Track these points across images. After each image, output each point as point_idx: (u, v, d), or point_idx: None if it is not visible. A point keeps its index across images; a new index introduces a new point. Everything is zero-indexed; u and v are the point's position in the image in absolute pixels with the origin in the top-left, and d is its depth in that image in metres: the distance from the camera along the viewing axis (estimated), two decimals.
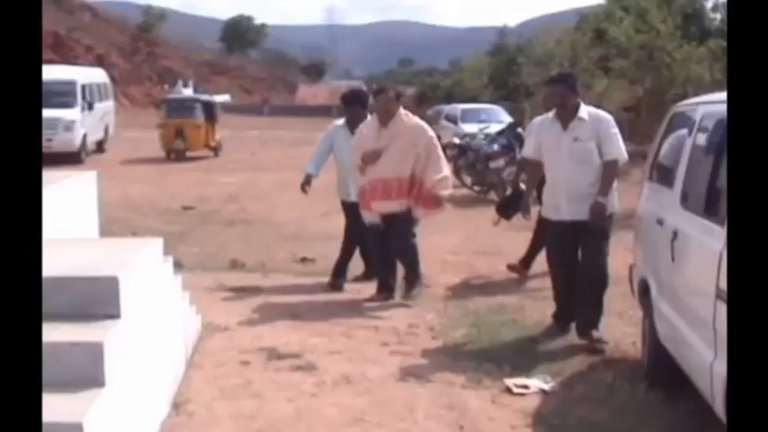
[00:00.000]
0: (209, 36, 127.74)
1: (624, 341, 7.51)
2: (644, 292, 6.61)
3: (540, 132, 7.88)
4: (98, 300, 4.31)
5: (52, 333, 4.08)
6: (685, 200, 5.70)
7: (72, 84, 27.04)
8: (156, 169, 24.65)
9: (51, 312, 4.28)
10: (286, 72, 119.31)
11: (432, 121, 38.81)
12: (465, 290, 9.66)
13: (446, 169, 9.12)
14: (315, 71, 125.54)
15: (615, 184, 7.50)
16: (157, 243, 5.68)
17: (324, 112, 60.40)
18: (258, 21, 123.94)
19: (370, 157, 8.82)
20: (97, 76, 31.26)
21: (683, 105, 6.79)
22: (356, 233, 9.63)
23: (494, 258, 11.21)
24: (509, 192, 11.20)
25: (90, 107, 27.20)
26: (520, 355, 7.11)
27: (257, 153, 30.60)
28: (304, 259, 11.25)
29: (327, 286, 9.57)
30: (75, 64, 46.02)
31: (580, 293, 7.44)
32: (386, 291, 9.09)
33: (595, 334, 7.34)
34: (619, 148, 7.40)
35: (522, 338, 7.59)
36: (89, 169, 23.65)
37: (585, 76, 26.03)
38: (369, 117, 9.51)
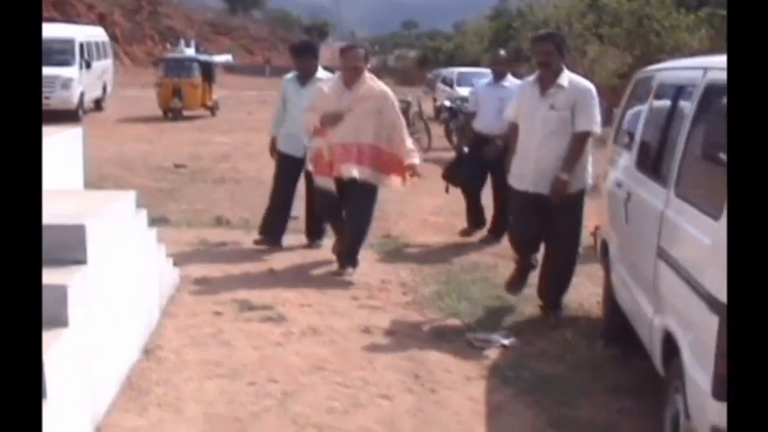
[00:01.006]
0: None
1: (590, 300, 7.77)
2: (604, 253, 6.85)
3: (521, 96, 7.37)
4: (66, 246, 4.55)
5: None
6: (639, 163, 5.93)
7: (70, 42, 27.13)
8: (152, 128, 24.83)
9: None
10: (289, 33, 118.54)
11: (431, 85, 39.12)
12: (442, 250, 9.88)
13: (408, 140, 8.62)
14: (318, 32, 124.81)
15: (589, 158, 7.15)
16: (130, 196, 5.92)
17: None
18: None
19: (332, 119, 8.24)
20: (96, 34, 31.30)
21: (644, 71, 6.99)
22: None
23: None
24: (454, 157, 11.07)
25: (88, 65, 27.28)
26: (486, 312, 7.38)
27: (254, 113, 30.71)
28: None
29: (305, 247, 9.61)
30: (76, 22, 45.93)
31: (546, 267, 7.35)
32: (315, 236, 9.52)
33: (556, 313, 7.33)
34: (592, 119, 6.93)
35: (491, 296, 7.83)
36: (86, 127, 23.86)
37: (579, 41, 26.16)
38: (320, 70, 9.51)
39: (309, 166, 8.79)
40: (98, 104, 29.53)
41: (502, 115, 8.48)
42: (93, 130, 23.46)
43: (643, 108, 6.29)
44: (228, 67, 67.78)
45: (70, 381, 4.21)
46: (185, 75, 28.52)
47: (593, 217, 7.46)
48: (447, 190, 10.92)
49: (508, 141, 7.65)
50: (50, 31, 29.08)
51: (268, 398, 5.34)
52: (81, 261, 4.57)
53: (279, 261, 8.83)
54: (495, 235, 10.17)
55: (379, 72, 68.35)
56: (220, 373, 5.70)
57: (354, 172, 8.27)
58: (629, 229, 5.85)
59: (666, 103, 5.60)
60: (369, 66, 8.63)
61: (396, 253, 9.63)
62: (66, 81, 25.72)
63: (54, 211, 4.84)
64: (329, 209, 8.77)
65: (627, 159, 6.33)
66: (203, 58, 31.59)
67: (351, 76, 8.39)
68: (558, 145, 6.91)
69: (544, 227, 7.19)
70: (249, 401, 5.27)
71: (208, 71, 29.81)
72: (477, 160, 10.19)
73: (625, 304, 5.99)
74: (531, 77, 7.34)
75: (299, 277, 8.18)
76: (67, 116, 24.99)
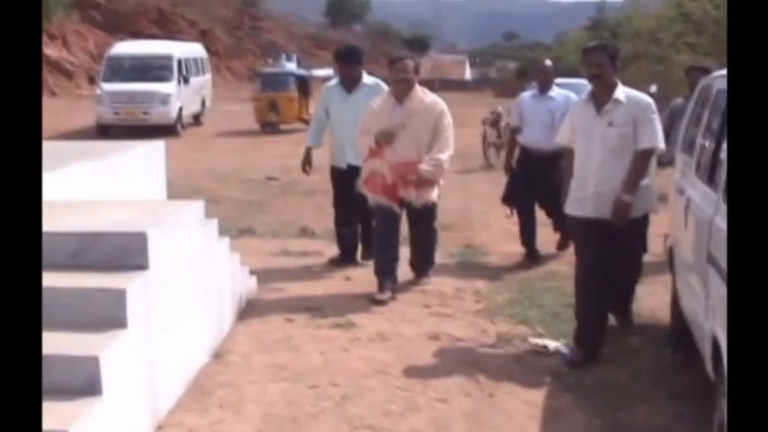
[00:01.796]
0: (314, 10, 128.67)
1: (662, 309, 7.71)
2: (671, 260, 6.85)
3: (574, 115, 6.78)
4: (129, 252, 4.79)
5: (85, 280, 4.61)
6: (697, 169, 5.95)
7: (168, 58, 27.92)
8: (248, 141, 25.30)
9: (89, 263, 4.82)
10: (389, 46, 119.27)
11: None
12: (521, 258, 9.89)
13: (445, 153, 7.97)
14: (419, 45, 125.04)
15: (650, 179, 6.63)
16: (197, 206, 6.13)
17: (425, 85, 60.34)
18: None
19: (386, 138, 7.76)
20: (194, 50, 32.08)
21: (709, 79, 6.95)
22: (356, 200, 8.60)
23: None
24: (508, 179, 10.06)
25: (186, 81, 27.98)
26: (556, 319, 7.39)
27: None
28: None
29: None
30: (178, 39, 47.06)
31: (615, 286, 6.82)
32: (389, 283, 8.07)
33: (624, 322, 7.16)
34: (655, 135, 6.38)
35: (563, 303, 7.81)
36: (184, 141, 24.46)
37: (671, 51, 25.89)
38: (365, 76, 8.98)
39: (362, 188, 8.15)
40: (197, 119, 30.20)
41: (550, 128, 8.39)
42: (190, 144, 24.14)
43: (703, 115, 6.31)
44: (329, 81, 68.35)
45: (128, 379, 4.43)
46: (281, 89, 29.01)
47: (663, 223, 7.42)
48: (509, 214, 10.07)
49: (563, 169, 7.01)
50: (149, 47, 30.06)
51: (327, 400, 5.50)
52: (143, 266, 4.79)
53: (355, 270, 8.98)
54: (563, 247, 9.69)
55: (481, 84, 68.19)
56: (284, 376, 5.89)
57: (418, 197, 7.96)
58: (688, 236, 5.86)
59: (720, 109, 5.61)
60: (418, 77, 8.05)
61: (475, 262, 9.68)
62: (165, 97, 26.43)
63: (119, 219, 5.11)
64: (389, 229, 8.14)
65: (689, 166, 6.35)
66: (299, 72, 32.07)
67: (401, 90, 7.90)
68: (620, 165, 6.35)
69: (611, 258, 6.54)
70: (308, 403, 5.44)
71: (304, 85, 30.28)
72: (527, 177, 9.57)
73: (686, 310, 5.99)
74: (583, 96, 6.85)
75: (374, 285, 8.30)
76: (166, 131, 25.67)
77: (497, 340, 6.87)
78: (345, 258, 9.20)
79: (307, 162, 9.47)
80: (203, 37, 62.68)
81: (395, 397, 5.60)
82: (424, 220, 8.24)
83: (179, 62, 28.11)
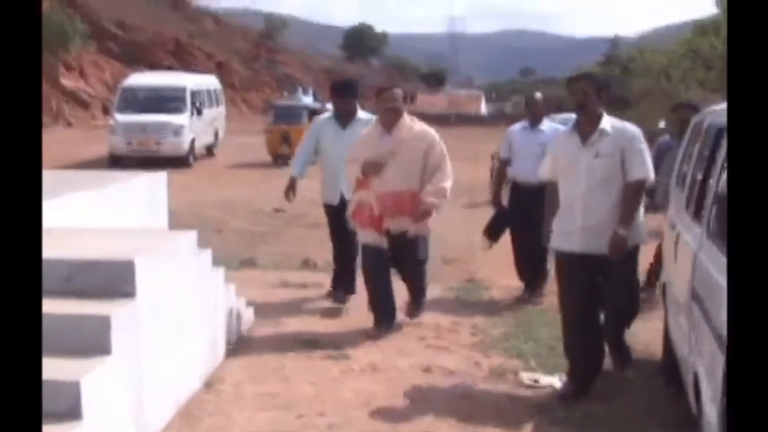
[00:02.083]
0: (331, 43, 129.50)
1: (656, 342, 7.73)
2: (664, 294, 6.89)
3: (558, 148, 6.60)
4: (116, 280, 4.87)
5: (72, 307, 4.70)
6: (687, 204, 6.01)
7: (182, 90, 28.18)
8: (259, 173, 25.43)
9: (80, 289, 4.90)
10: (406, 80, 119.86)
11: None
12: (520, 292, 9.91)
13: (447, 182, 7.83)
14: (435, 80, 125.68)
15: (642, 209, 6.49)
16: (190, 236, 6.21)
17: (441, 120, 60.77)
18: (379, 29, 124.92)
19: (373, 168, 7.63)
20: (208, 82, 32.34)
21: (701, 114, 7.00)
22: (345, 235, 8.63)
23: None
24: (493, 212, 9.91)
25: (199, 112, 28.20)
26: (552, 353, 7.40)
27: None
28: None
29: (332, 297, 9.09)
30: (194, 70, 47.46)
31: (608, 323, 6.65)
32: (386, 321, 7.98)
33: (620, 356, 6.91)
34: (645, 166, 6.23)
35: (559, 337, 7.73)
36: (195, 172, 24.57)
37: (680, 87, 26.00)
38: (360, 111, 8.76)
39: (351, 221, 8.06)
40: (209, 150, 30.39)
41: (540, 161, 7.93)
42: (201, 175, 24.33)
43: (695, 150, 6.37)
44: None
45: (111, 405, 4.48)
46: (294, 121, 29.17)
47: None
48: (487, 247, 10.13)
49: (546, 201, 6.77)
50: (163, 79, 30.34)
51: (313, 429, 5.55)
52: (130, 294, 4.86)
53: (353, 302, 9.01)
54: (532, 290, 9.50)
55: (496, 119, 68.47)
56: (273, 405, 5.94)
57: (405, 227, 7.76)
58: (676, 270, 5.91)
59: (708, 145, 5.67)
60: (407, 105, 7.87)
61: (475, 296, 9.73)
62: (178, 128, 26.66)
63: (110, 247, 5.18)
64: (378, 268, 7.95)
65: (680, 201, 6.41)
66: (313, 105, 32.28)
67: (389, 119, 7.72)
68: (607, 197, 6.20)
69: (599, 292, 6.43)
70: None
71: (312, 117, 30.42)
72: (519, 211, 9.32)
73: (674, 344, 6.03)
74: (566, 128, 6.74)
75: (370, 318, 8.32)
76: (178, 162, 25.87)
77: (489, 374, 6.89)
78: (343, 291, 9.01)
79: (291, 190, 9.15)
80: (220, 69, 63.13)
81: (381, 428, 5.64)
82: (411, 253, 7.96)
83: (192, 94, 28.35)
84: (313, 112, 30.64)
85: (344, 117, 8.74)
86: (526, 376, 6.78)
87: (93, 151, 28.55)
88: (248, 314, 7.98)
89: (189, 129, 27.17)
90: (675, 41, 37.08)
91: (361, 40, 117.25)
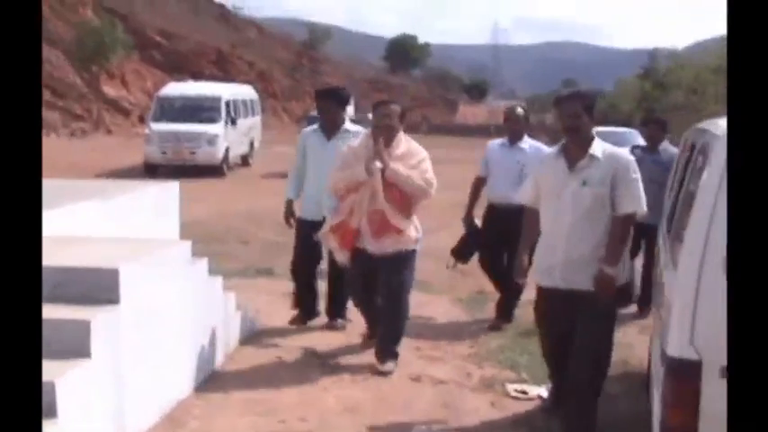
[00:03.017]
0: (374, 53, 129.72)
1: (643, 355, 7.87)
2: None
3: (542, 172, 6.06)
4: (100, 287, 5.12)
5: (57, 312, 4.93)
6: (667, 221, 6.09)
7: (217, 99, 28.53)
8: None
9: (67, 295, 5.15)
10: (448, 91, 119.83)
11: None
12: (529, 304, 10.00)
13: (425, 182, 7.23)
14: (477, 91, 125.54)
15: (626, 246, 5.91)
16: (184, 246, 6.45)
17: (482, 131, 60.74)
18: (422, 40, 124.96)
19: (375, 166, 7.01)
20: (244, 92, 32.64)
21: (688, 131, 6.98)
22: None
23: None
24: (464, 231, 9.09)
25: (233, 122, 28.48)
26: (544, 365, 7.56)
27: None
28: None
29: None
30: (236, 80, 47.93)
31: (572, 382, 5.87)
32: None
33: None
34: (637, 199, 5.69)
35: None
36: (230, 182, 24.76)
37: (710, 102, 25.95)
38: (348, 122, 8.29)
39: (325, 238, 7.45)
40: (245, 160, 30.65)
41: (518, 181, 7.76)
42: (235, 184, 24.61)
43: (678, 167, 6.50)
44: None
45: (88, 406, 4.72)
46: None
47: None
48: (452, 265, 9.13)
49: (523, 229, 6.27)
50: (198, 89, 30.74)
51: None
52: (113, 301, 5.10)
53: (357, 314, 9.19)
54: (502, 318, 8.98)
55: (537, 130, 68.39)
56: (257, 411, 6.15)
57: (388, 248, 7.18)
58: (656, 287, 6.05)
59: (682, 160, 5.80)
60: (404, 124, 7.36)
61: (480, 307, 9.83)
62: (212, 137, 26.98)
63: (97, 255, 5.42)
64: (361, 291, 7.54)
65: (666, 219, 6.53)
66: (348, 114, 32.43)
67: (383, 135, 7.15)
68: (592, 230, 5.68)
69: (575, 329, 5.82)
70: None
71: None
72: (493, 234, 8.73)
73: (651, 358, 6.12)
74: (552, 150, 6.16)
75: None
76: (212, 171, 26.22)
77: (479, 384, 7.05)
78: (340, 317, 8.55)
79: (290, 215, 8.60)
80: (261, 78, 63.68)
81: None
82: (392, 274, 7.26)
83: (227, 104, 28.67)
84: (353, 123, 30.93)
85: (329, 127, 8.21)
86: (513, 387, 6.92)
87: (130, 160, 28.90)
88: (250, 323, 8.19)
89: (223, 138, 27.47)
90: (711, 55, 36.98)
91: (403, 51, 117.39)
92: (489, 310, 9.68)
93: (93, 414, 4.81)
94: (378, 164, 7.02)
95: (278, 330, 8.39)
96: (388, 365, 7.23)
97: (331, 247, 7.45)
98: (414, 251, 7.38)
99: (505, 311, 8.96)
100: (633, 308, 9.09)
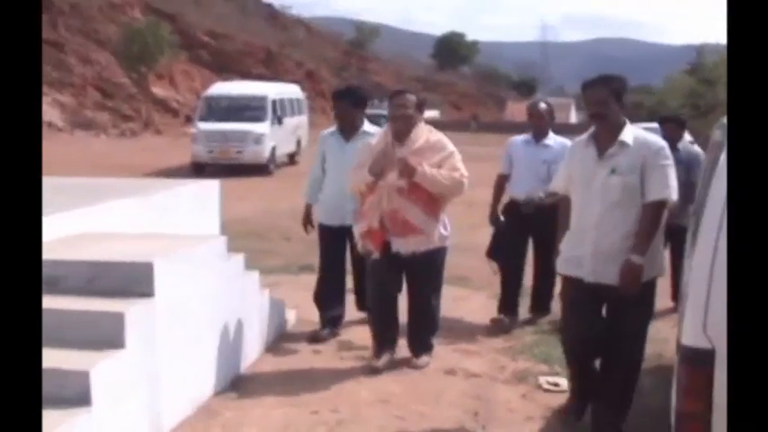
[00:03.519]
0: (422, 51, 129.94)
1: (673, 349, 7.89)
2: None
3: (572, 159, 5.88)
4: (135, 280, 5.28)
5: (93, 304, 5.14)
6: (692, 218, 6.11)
7: (263, 99, 28.81)
8: None
9: (102, 289, 5.33)
10: (496, 88, 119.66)
11: None
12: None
13: (458, 175, 6.99)
14: (526, 88, 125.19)
15: (662, 236, 5.75)
16: (219, 241, 6.59)
17: (528, 128, 60.46)
18: (470, 38, 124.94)
19: (382, 164, 6.84)
20: (291, 91, 32.89)
21: (714, 127, 6.99)
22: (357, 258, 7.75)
23: None
24: (492, 231, 8.89)
25: (279, 121, 28.71)
26: None
27: None
28: None
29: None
30: (284, 79, 48.23)
31: (603, 382, 5.81)
32: (389, 350, 7.28)
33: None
34: (667, 186, 5.44)
35: None
36: (276, 180, 24.87)
37: None
38: (367, 123, 7.96)
39: (358, 243, 7.23)
40: (292, 159, 30.89)
41: (545, 181, 7.81)
42: (281, 182, 24.78)
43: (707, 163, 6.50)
44: (435, 123, 68.62)
45: (121, 394, 4.88)
46: None
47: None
48: (495, 270, 8.92)
49: (558, 217, 6.08)
50: (244, 88, 31.03)
51: (322, 425, 5.88)
52: (148, 294, 5.26)
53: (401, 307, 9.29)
54: (538, 312, 8.95)
55: (586, 127, 68.30)
56: (290, 402, 6.28)
57: (418, 244, 6.99)
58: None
59: (710, 157, 5.81)
60: (422, 114, 7.09)
61: (520, 301, 9.86)
62: (258, 136, 27.24)
63: (133, 250, 5.60)
64: (387, 291, 7.23)
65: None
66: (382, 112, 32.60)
67: (400, 128, 6.91)
68: (623, 220, 5.47)
69: (606, 325, 5.68)
70: (304, 427, 5.83)
71: None
72: (515, 232, 8.58)
73: None
74: (583, 136, 5.87)
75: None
76: (259, 170, 26.47)
77: (511, 377, 7.12)
78: (324, 330, 8.15)
79: (307, 220, 8.44)
80: (309, 78, 64.10)
81: (389, 425, 5.93)
82: (422, 274, 7.18)
83: (273, 103, 28.92)
84: None
85: (347, 129, 7.93)
86: (545, 380, 6.98)
87: (179, 159, 29.25)
88: (290, 317, 8.35)
89: (269, 137, 27.71)
90: None
91: (451, 49, 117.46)
92: (526, 305, 9.75)
93: (126, 403, 4.97)
94: (397, 160, 6.77)
95: (315, 325, 8.48)
96: (423, 359, 7.29)
97: (369, 250, 7.07)
98: (443, 249, 7.23)
99: (541, 304, 8.96)
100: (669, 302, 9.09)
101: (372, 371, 7.02)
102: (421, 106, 7.03)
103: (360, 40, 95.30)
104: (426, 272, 7.16)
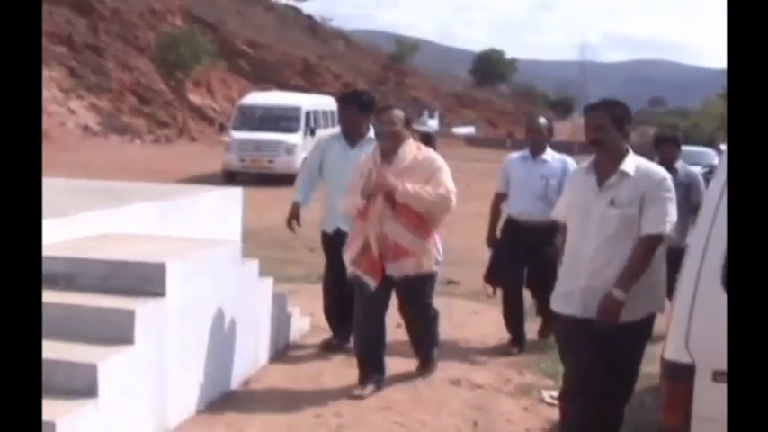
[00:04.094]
0: (461, 67, 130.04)
1: None
2: None
3: (572, 186, 5.60)
4: (147, 280, 5.51)
5: (106, 301, 5.37)
6: None
7: (297, 110, 29.18)
8: None
9: (116, 287, 5.56)
10: (533, 107, 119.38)
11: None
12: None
13: (443, 190, 6.75)
14: (563, 107, 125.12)
15: (663, 272, 5.33)
16: (232, 246, 6.80)
17: (564, 148, 60.26)
18: (509, 55, 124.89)
19: (372, 188, 6.61)
20: (325, 103, 33.07)
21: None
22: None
23: None
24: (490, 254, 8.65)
25: (312, 133, 28.95)
26: None
27: (473, 185, 31.45)
28: (450, 281, 11.68)
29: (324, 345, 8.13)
30: (321, 91, 48.52)
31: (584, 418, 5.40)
32: (374, 376, 7.01)
33: None
34: (663, 218, 5.09)
35: None
36: None
37: None
38: (372, 131, 7.42)
39: (347, 259, 6.98)
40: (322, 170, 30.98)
41: (542, 198, 7.82)
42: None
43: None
44: (470, 140, 69.06)
45: (128, 388, 5.10)
46: None
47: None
48: (491, 293, 8.69)
49: (558, 248, 5.83)
50: (279, 98, 31.39)
51: (323, 428, 6.07)
52: (160, 294, 5.48)
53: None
54: (547, 335, 8.46)
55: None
56: (295, 406, 6.47)
57: (408, 270, 6.82)
58: None
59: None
60: (410, 131, 6.93)
61: (529, 316, 9.92)
62: (291, 147, 27.56)
63: (146, 250, 5.83)
64: (373, 312, 6.95)
65: None
66: (423, 128, 32.79)
67: (387, 145, 6.73)
68: (619, 255, 5.09)
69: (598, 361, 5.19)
70: (305, 429, 6.02)
71: (426, 141, 30.87)
72: (513, 252, 8.32)
73: None
74: (584, 163, 5.50)
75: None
76: (290, 180, 26.57)
77: (515, 390, 7.25)
78: (339, 338, 8.11)
79: (294, 218, 8.23)
80: (346, 90, 64.18)
81: (387, 429, 6.13)
82: (414, 295, 7.09)
83: (307, 114, 29.27)
84: (426, 136, 31.23)
85: (353, 135, 7.74)
86: (548, 394, 7.09)
87: (212, 166, 29.51)
88: (304, 323, 8.53)
89: (302, 148, 27.87)
90: None
91: (490, 66, 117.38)
92: (538, 320, 9.86)
93: (133, 397, 5.19)
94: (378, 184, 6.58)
95: (328, 332, 8.66)
96: (428, 372, 7.45)
97: (358, 274, 6.84)
98: (434, 273, 7.11)
99: (550, 326, 8.42)
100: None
101: (355, 398, 6.75)
102: (408, 122, 6.90)
103: (399, 54, 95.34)
104: (417, 293, 7.08)
